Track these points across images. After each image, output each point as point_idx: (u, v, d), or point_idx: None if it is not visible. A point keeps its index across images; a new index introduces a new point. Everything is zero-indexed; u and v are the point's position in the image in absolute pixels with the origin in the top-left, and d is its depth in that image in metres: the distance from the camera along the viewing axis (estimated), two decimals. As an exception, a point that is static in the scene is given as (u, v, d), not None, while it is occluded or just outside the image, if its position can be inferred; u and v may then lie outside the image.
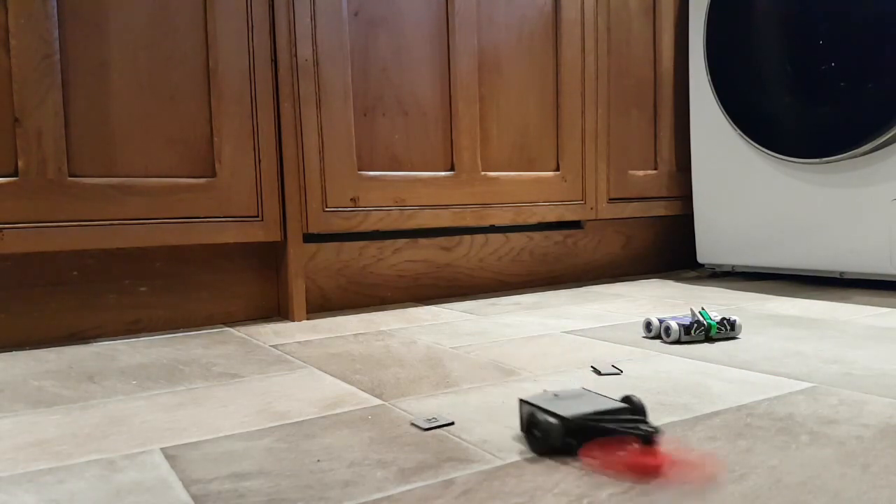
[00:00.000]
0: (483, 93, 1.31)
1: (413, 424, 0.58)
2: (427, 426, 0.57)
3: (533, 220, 1.38)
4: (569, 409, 0.50)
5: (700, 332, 0.86)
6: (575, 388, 0.56)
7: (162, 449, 0.54)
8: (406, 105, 1.22)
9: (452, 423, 0.58)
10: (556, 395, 0.54)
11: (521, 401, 0.53)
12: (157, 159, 1.01)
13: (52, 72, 0.92)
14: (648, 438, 0.48)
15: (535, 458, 0.50)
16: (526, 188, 1.36)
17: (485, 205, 1.31)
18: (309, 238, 1.19)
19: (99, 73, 0.96)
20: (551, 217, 1.40)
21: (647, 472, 0.46)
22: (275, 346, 0.92)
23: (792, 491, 0.43)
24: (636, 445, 0.49)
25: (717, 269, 1.62)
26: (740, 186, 1.43)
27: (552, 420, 0.49)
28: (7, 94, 0.91)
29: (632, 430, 0.49)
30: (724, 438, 0.52)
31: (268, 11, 1.07)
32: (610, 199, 1.49)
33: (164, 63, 1.01)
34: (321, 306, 1.20)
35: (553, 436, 0.49)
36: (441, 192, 1.26)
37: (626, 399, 0.53)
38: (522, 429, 0.53)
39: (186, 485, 0.47)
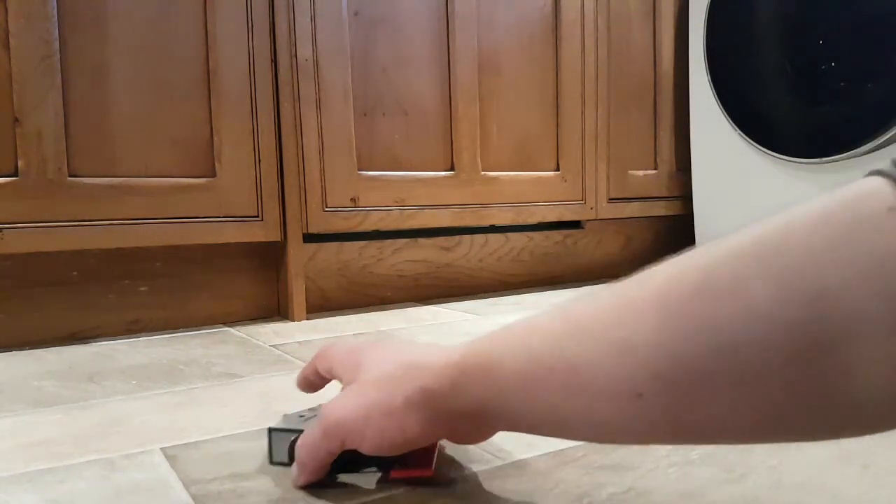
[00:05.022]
0: (483, 93, 1.30)
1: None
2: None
3: (533, 220, 1.38)
4: None
5: (700, 332, 0.86)
6: (314, 406, 0.52)
7: (162, 449, 0.54)
8: (406, 105, 1.22)
9: None
10: (301, 415, 0.50)
11: (273, 430, 0.48)
12: (156, 159, 1.01)
13: (52, 72, 0.92)
14: None
15: (535, 457, 0.50)
16: (526, 188, 1.36)
17: (485, 205, 1.31)
18: (309, 238, 1.19)
19: (99, 73, 0.96)
20: (551, 217, 1.40)
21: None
22: (275, 346, 0.92)
23: (792, 491, 0.43)
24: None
25: (717, 269, 1.62)
26: (740, 186, 1.43)
27: None
28: (7, 94, 0.91)
29: None
30: (724, 438, 0.52)
31: (268, 11, 1.07)
32: (610, 199, 1.49)
33: (164, 63, 1.01)
34: (321, 306, 1.20)
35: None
36: (441, 192, 1.26)
37: None
38: (274, 460, 0.49)
39: (186, 485, 0.47)
